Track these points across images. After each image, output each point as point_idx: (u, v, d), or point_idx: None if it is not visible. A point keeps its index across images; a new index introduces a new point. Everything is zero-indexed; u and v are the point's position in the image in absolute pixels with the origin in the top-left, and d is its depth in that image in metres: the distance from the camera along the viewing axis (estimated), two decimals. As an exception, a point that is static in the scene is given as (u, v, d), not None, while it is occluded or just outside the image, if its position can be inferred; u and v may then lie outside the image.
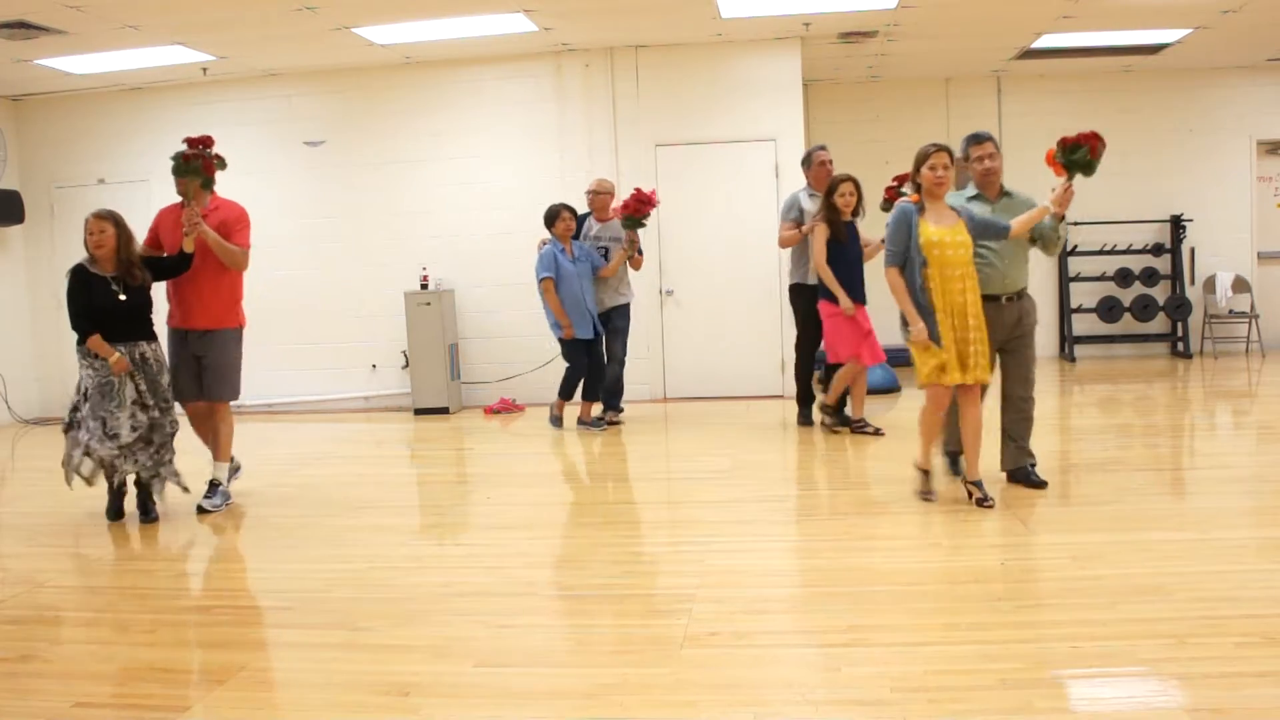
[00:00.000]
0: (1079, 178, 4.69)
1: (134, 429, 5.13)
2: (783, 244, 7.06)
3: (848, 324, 6.55)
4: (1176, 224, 10.27)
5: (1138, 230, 10.35)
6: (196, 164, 5.28)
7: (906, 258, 4.71)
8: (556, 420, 7.60)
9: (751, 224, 8.62)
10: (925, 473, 4.97)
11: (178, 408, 5.51)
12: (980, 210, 4.87)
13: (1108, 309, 10.33)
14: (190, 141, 5.35)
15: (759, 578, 4.05)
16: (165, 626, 3.74)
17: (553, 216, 7.31)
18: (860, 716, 2.74)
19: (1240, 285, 10.23)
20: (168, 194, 5.54)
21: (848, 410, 6.92)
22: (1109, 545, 4.08)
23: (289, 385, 9.24)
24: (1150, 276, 10.30)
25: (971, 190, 5.02)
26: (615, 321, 7.60)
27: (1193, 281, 10.39)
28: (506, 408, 8.76)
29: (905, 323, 4.78)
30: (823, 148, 7.06)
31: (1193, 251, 10.37)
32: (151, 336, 5.31)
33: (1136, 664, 2.95)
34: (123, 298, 5.15)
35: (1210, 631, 3.12)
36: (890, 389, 8.48)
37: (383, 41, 8.11)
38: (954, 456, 5.19)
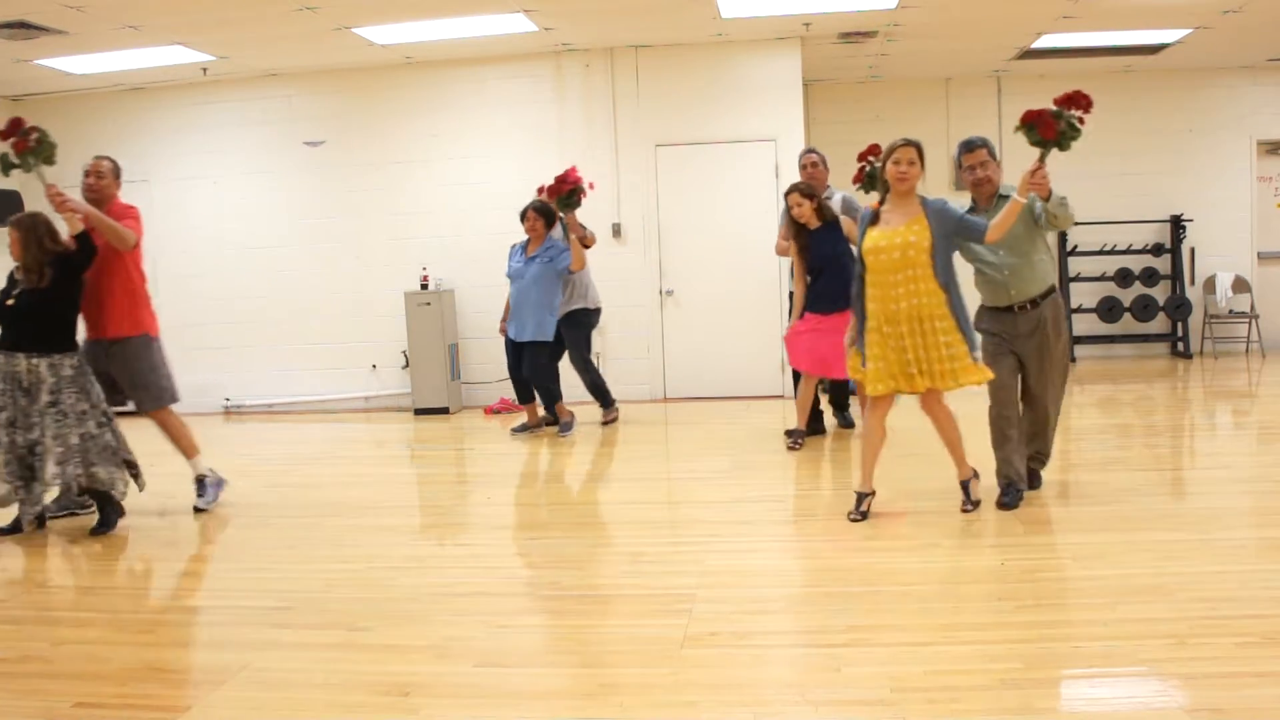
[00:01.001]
0: (1063, 148, 4.29)
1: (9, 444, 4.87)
2: (777, 252, 6.97)
3: (804, 338, 6.21)
4: (1176, 224, 10.26)
5: (1138, 230, 10.34)
6: (13, 156, 4.94)
7: None
8: (566, 426, 7.41)
9: (751, 224, 8.61)
10: (859, 494, 4.68)
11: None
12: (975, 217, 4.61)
13: (1108, 309, 10.32)
14: (1, 135, 4.94)
15: (759, 578, 4.05)
16: (165, 626, 3.74)
17: (520, 217, 7.34)
18: (860, 716, 2.74)
19: (1240, 285, 10.23)
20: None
21: (852, 411, 6.88)
22: (1109, 545, 4.08)
23: (289, 385, 9.25)
24: (1150, 276, 10.30)
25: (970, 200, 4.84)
26: (561, 333, 7.35)
27: (1193, 281, 10.38)
28: (506, 408, 8.75)
29: None
30: (809, 151, 6.87)
31: (1193, 251, 10.37)
32: (42, 350, 4.89)
33: (1137, 664, 2.95)
34: (9, 302, 4.95)
35: (1210, 631, 3.12)
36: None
37: (383, 41, 8.10)
38: (1029, 471, 4.92)
